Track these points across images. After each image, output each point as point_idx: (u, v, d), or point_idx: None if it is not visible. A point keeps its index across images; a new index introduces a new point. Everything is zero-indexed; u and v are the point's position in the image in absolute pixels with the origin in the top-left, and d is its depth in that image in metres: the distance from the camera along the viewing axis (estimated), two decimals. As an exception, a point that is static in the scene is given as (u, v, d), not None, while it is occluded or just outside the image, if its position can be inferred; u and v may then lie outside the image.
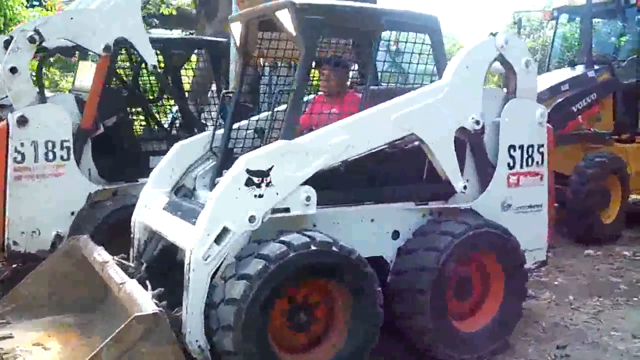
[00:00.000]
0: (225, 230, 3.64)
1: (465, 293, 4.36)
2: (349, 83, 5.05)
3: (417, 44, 4.49)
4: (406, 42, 4.47)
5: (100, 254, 4.44)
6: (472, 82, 4.40)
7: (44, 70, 6.42)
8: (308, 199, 3.84)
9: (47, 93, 5.94)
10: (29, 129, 5.35)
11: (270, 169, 3.74)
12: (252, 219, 3.69)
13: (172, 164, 4.82)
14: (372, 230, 4.23)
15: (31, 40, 5.35)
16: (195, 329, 3.59)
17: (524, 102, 4.67)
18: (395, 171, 4.39)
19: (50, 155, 5.45)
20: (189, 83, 8.19)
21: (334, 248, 3.62)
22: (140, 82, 6.99)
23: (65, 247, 4.82)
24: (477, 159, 4.55)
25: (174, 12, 12.34)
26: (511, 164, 4.62)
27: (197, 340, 3.59)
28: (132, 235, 4.72)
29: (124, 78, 6.90)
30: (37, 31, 5.37)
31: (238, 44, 4.73)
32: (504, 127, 4.57)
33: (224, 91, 5.35)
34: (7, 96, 5.54)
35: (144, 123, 7.00)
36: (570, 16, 9.63)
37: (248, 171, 3.70)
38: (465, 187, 4.36)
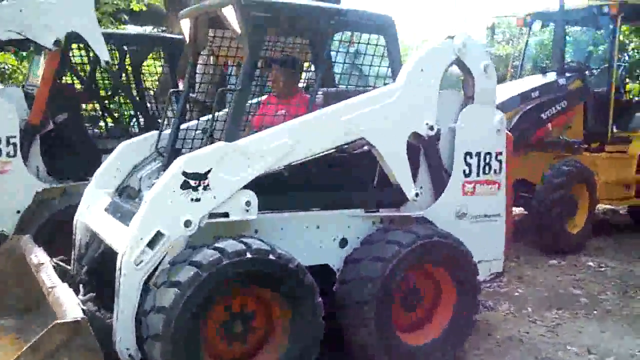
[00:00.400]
0: (159, 235, 3.46)
1: (415, 304, 4.20)
2: (301, 84, 4.87)
3: (372, 45, 4.33)
4: (359, 42, 4.31)
5: (37, 256, 4.24)
6: (426, 86, 4.25)
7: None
8: (248, 203, 3.66)
9: None
10: None
11: (208, 171, 3.56)
12: (187, 223, 3.51)
13: (117, 163, 4.63)
14: (318, 238, 4.06)
15: None
16: (126, 336, 3.42)
17: (482, 107, 4.52)
18: (343, 176, 4.22)
19: None
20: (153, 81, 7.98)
21: (271, 256, 3.44)
22: (96, 79, 6.77)
23: (6, 246, 4.63)
24: (432, 165, 4.41)
25: (144, 8, 12.10)
26: (467, 172, 4.47)
27: (127, 349, 3.42)
28: (73, 237, 4.53)
29: (80, 73, 6.68)
30: None
31: (187, 41, 4.54)
32: (460, 133, 4.43)
33: (171, 90, 5.15)
34: None
35: (100, 121, 6.78)
36: (544, 22, 9.53)
37: (184, 173, 3.52)
38: (417, 195, 4.21)
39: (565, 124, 8.22)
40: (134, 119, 6.97)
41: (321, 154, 3.91)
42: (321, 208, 4.12)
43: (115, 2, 11.26)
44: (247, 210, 3.67)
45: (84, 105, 6.64)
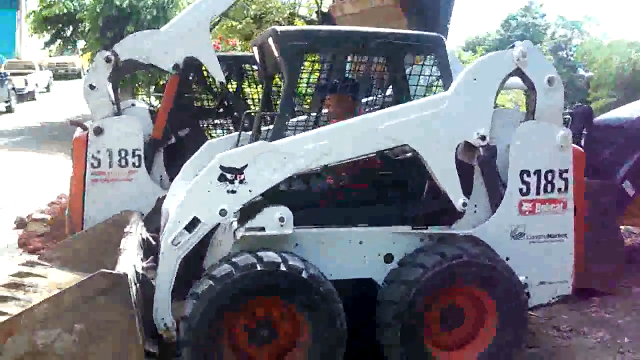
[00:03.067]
0: (195, 220, 3.88)
1: (456, 324, 4.18)
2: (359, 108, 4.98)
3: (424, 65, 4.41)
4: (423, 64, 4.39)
5: (132, 227, 4.91)
6: (479, 96, 4.19)
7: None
8: (282, 219, 3.96)
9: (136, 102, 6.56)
10: (104, 138, 6.03)
11: (244, 167, 3.91)
12: (222, 212, 3.89)
13: (199, 159, 5.19)
14: (361, 252, 4.20)
15: (107, 60, 6.05)
16: (163, 308, 3.90)
17: (542, 125, 4.33)
18: (391, 191, 4.33)
19: (123, 162, 6.09)
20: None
21: (281, 268, 3.70)
22: (209, 96, 7.42)
23: (116, 217, 5.36)
24: (488, 182, 4.32)
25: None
26: (524, 190, 4.32)
27: (162, 319, 3.90)
28: (161, 220, 5.08)
29: (196, 93, 7.36)
30: (113, 52, 6.08)
31: (259, 64, 4.96)
32: (514, 151, 4.29)
33: (245, 111, 5.61)
34: None
35: (213, 134, 7.45)
36: None
37: (222, 167, 3.91)
38: (464, 204, 4.17)
39: None
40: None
41: (356, 159, 4.08)
42: (366, 224, 4.27)
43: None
44: (282, 225, 3.97)
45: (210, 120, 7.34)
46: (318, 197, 4.36)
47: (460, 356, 4.17)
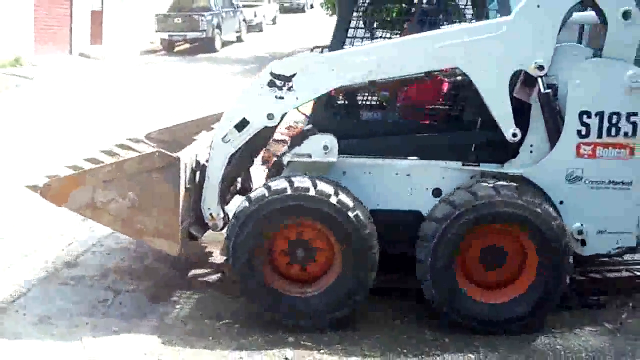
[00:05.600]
0: (244, 121, 4.22)
1: (498, 264, 4.16)
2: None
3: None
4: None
5: None
6: (541, 24, 4.04)
7: None
8: (325, 147, 4.19)
9: None
10: None
11: (293, 75, 4.16)
12: (270, 116, 4.20)
13: None
14: (408, 185, 4.32)
15: None
16: (211, 198, 4.32)
17: (608, 62, 4.06)
18: (444, 122, 4.35)
19: None
20: None
21: (310, 192, 3.93)
22: None
23: None
24: (548, 121, 4.15)
25: None
26: (583, 132, 4.11)
27: (209, 208, 4.32)
28: None
29: None
30: None
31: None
32: (573, 89, 4.09)
33: None
34: None
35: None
36: None
37: (272, 74, 4.19)
38: (514, 135, 4.11)
39: None
40: None
41: (407, 76, 4.18)
42: (419, 156, 4.35)
43: None
44: (326, 153, 4.21)
45: None
46: (368, 127, 4.51)
47: (498, 296, 4.16)
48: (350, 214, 3.96)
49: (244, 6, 26.13)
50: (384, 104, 4.68)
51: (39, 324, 4.16)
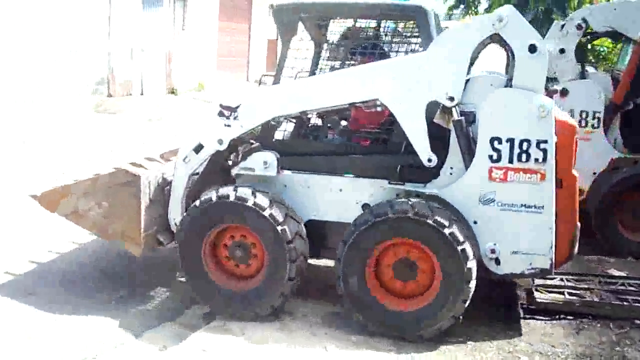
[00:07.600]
0: (200, 145, 4.87)
1: (409, 275, 4.48)
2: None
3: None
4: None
5: None
6: (453, 58, 4.37)
7: None
8: (265, 163, 4.75)
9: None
10: (569, 98, 6.58)
11: (237, 107, 4.81)
12: (220, 141, 4.80)
13: None
14: (341, 199, 4.77)
15: (578, 27, 6.73)
16: (175, 210, 4.96)
17: (518, 92, 4.29)
18: (374, 145, 4.78)
19: (583, 123, 6.58)
20: None
21: (248, 203, 4.49)
22: None
23: None
24: (462, 146, 4.45)
25: None
26: (495, 157, 4.35)
27: (174, 218, 4.96)
28: None
29: None
30: (583, 19, 6.77)
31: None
32: (484, 117, 4.36)
33: None
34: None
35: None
36: None
37: (220, 105, 4.86)
38: (429, 160, 4.45)
39: None
40: None
41: (334, 108, 4.72)
42: (354, 174, 4.79)
43: None
44: (266, 168, 4.77)
45: None
46: (311, 147, 5.01)
47: (406, 305, 4.49)
48: (264, 214, 4.49)
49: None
50: (330, 126, 5.15)
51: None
